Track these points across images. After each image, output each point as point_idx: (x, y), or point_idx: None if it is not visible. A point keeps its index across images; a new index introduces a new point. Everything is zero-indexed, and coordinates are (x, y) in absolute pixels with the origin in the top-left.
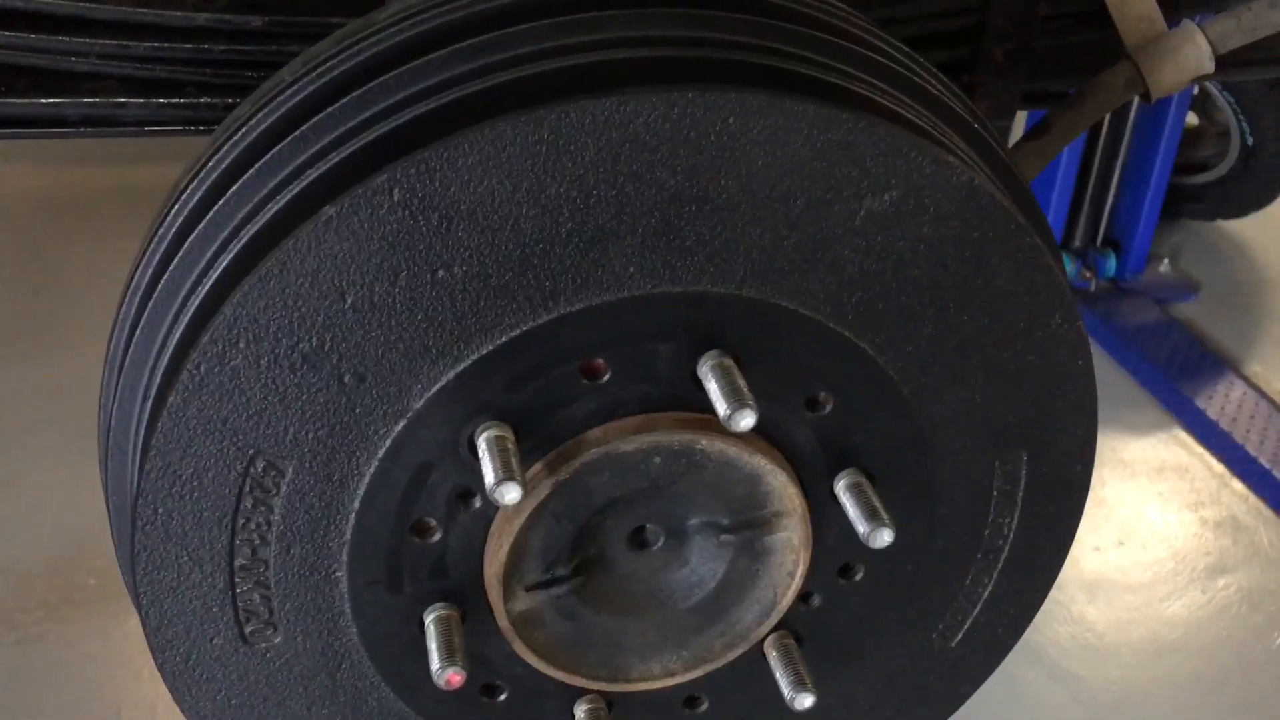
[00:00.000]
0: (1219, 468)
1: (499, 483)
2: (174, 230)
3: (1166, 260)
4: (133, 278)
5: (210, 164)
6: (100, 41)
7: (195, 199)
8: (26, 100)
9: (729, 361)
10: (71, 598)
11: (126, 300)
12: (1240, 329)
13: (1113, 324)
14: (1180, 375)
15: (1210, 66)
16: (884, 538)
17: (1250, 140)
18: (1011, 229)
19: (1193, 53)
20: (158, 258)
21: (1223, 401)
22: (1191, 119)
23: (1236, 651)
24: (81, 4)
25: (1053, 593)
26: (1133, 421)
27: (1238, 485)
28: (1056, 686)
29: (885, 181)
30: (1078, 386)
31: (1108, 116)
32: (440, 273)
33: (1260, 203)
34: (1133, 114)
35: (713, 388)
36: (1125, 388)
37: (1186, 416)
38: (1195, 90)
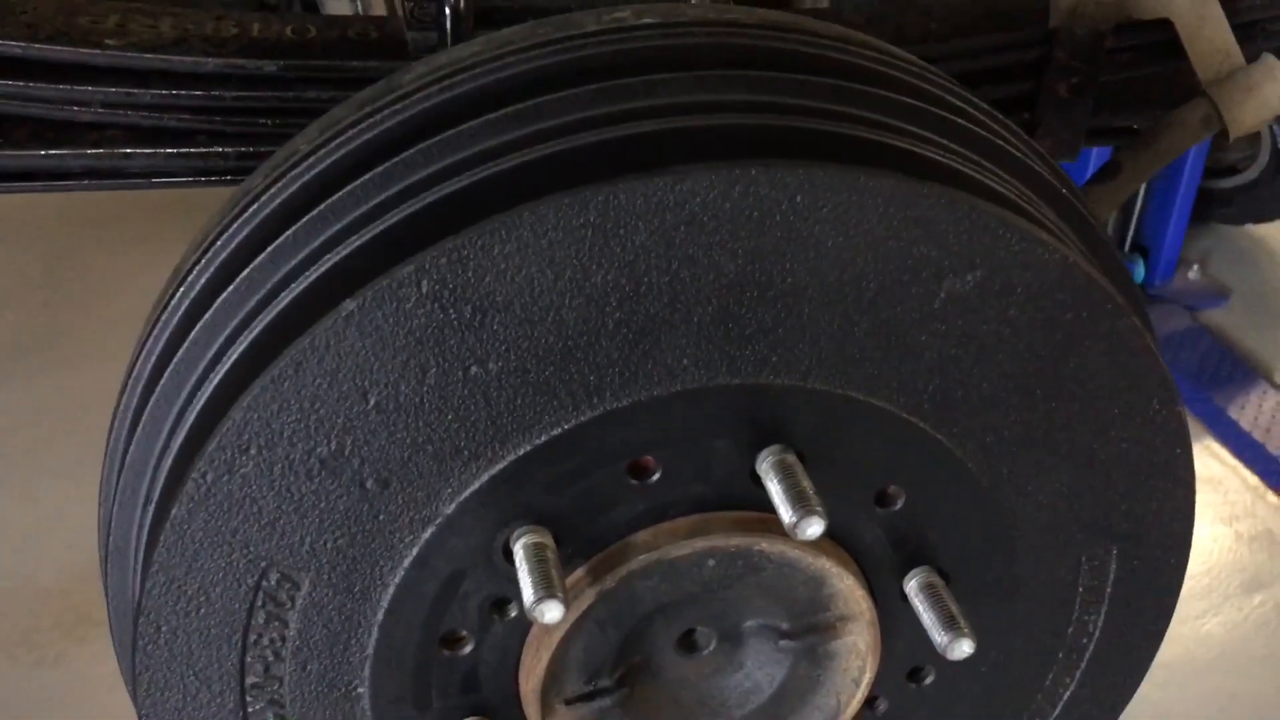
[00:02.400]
0: (1253, 480)
1: (538, 601)
2: (179, 316)
3: (1196, 266)
4: (134, 366)
5: (219, 243)
6: (104, 89)
7: (202, 282)
8: (25, 152)
9: (791, 458)
10: (90, 616)
11: (128, 391)
12: (1272, 336)
13: None
14: (1211, 384)
15: None
16: (963, 649)
17: None
18: (1108, 309)
19: (1274, 90)
20: (161, 346)
21: (1255, 411)
22: None
23: (1275, 670)
24: (84, 50)
25: None
26: None
27: (1273, 498)
28: None
29: (969, 261)
30: (1175, 477)
31: None
32: (473, 369)
33: None
34: None
35: (774, 489)
36: None
37: (1218, 427)
38: None
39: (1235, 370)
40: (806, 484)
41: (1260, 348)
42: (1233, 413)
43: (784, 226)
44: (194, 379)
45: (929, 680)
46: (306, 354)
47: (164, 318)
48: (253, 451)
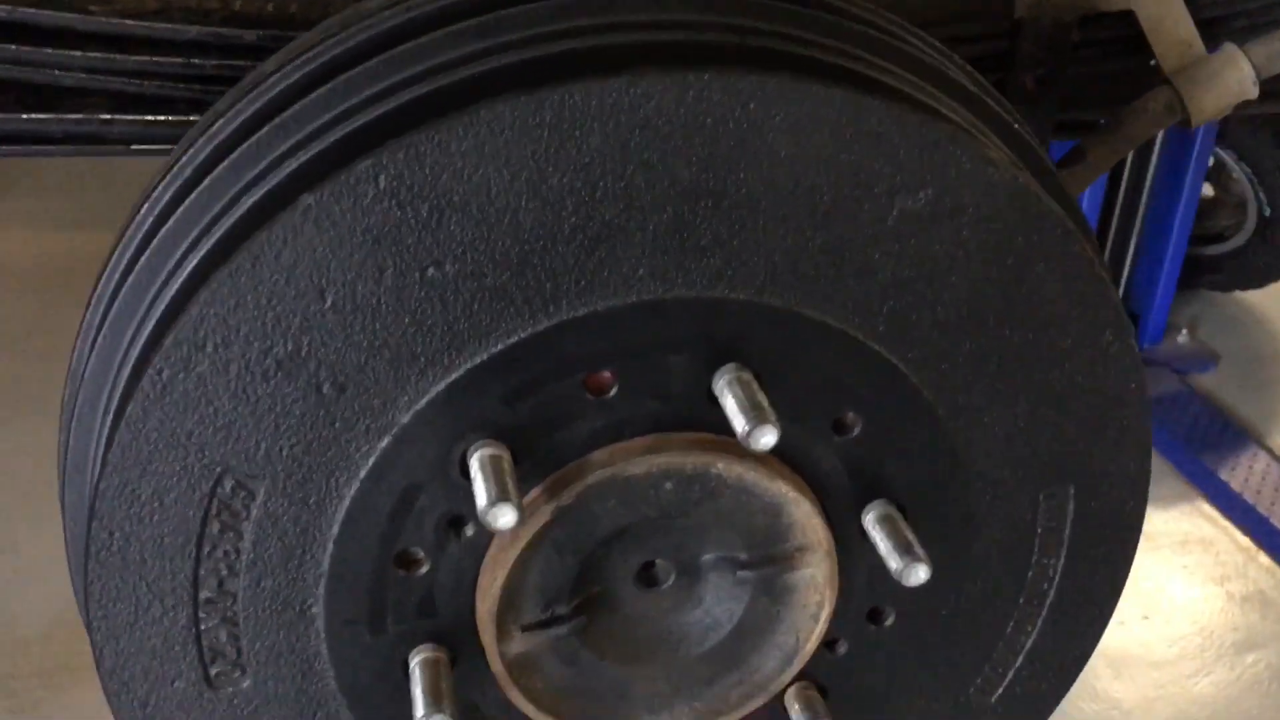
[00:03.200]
0: (1244, 541)
1: (492, 504)
2: (144, 230)
3: (1185, 331)
4: (99, 283)
5: (185, 158)
6: (87, 54)
7: (168, 195)
8: (8, 115)
9: (748, 375)
10: (68, 663)
11: (92, 307)
12: (1261, 400)
13: None
14: (1202, 447)
15: (1254, 91)
16: (919, 574)
17: (1268, 211)
18: (1059, 234)
19: (1235, 77)
20: (125, 259)
21: (1246, 473)
22: (1207, 190)
23: None
24: (68, 15)
25: None
26: (1154, 493)
27: (1264, 559)
28: None
29: (921, 178)
30: (1130, 413)
31: (1123, 187)
32: (430, 271)
33: (1279, 273)
34: (1148, 184)
35: (730, 403)
36: None
37: (1210, 489)
38: (1211, 161)
39: (1226, 433)
40: (761, 398)
41: (1250, 412)
42: (1223, 474)
43: (737, 135)
44: (156, 285)
45: (889, 622)
46: (264, 248)
47: (129, 233)
48: (209, 349)
